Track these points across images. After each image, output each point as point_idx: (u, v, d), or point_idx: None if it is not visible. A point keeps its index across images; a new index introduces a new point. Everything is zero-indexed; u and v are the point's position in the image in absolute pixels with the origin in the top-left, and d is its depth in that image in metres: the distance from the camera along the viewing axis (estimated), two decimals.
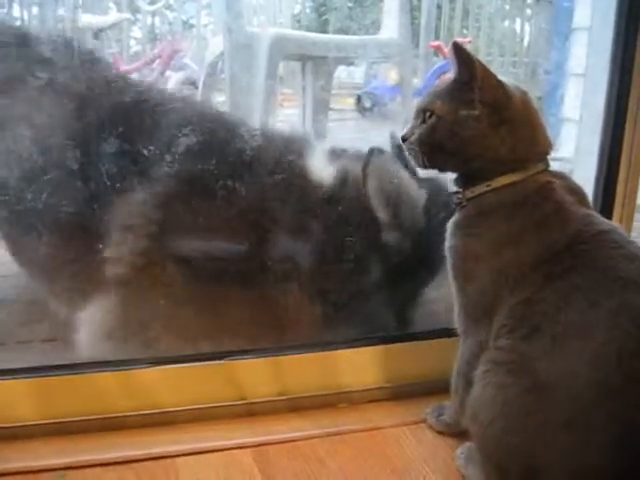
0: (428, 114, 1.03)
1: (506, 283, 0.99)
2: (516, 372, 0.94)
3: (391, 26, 2.55)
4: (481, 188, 1.04)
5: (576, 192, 1.05)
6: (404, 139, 1.07)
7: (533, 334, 0.94)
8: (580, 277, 0.94)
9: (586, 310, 0.92)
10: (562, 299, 0.94)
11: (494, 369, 0.97)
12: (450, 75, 1.03)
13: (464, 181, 1.07)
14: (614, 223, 1.09)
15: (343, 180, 1.39)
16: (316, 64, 2.40)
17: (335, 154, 1.44)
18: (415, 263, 1.38)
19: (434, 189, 1.39)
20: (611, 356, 0.89)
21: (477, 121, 1.00)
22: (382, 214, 1.36)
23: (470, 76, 0.99)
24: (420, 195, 1.39)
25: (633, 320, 0.90)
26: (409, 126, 1.07)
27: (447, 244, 1.08)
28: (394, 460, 1.16)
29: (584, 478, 0.90)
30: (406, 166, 1.38)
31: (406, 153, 1.10)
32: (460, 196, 1.07)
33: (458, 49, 0.98)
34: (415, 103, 1.09)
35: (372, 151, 1.37)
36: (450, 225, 1.08)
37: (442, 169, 1.08)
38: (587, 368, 0.89)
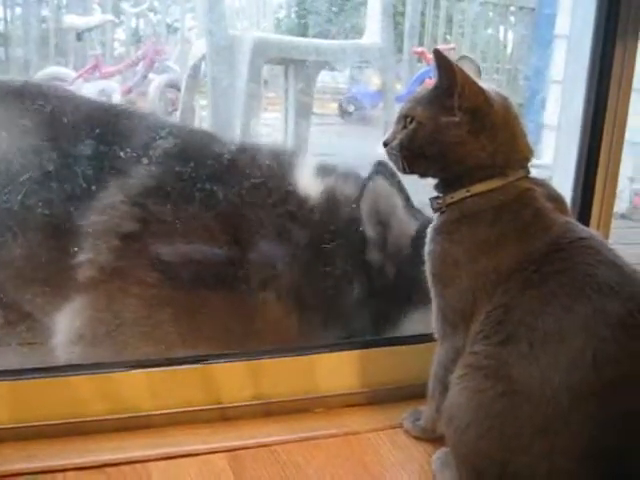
0: (409, 120, 1.04)
1: (484, 289, 1.00)
2: (492, 377, 0.94)
3: (374, 31, 2.56)
4: (461, 194, 1.04)
5: (556, 199, 1.06)
6: (385, 144, 1.07)
7: (509, 340, 0.94)
8: (557, 284, 0.94)
9: (562, 316, 0.92)
10: (539, 305, 0.94)
11: (470, 374, 0.97)
12: (433, 81, 1.04)
13: (444, 186, 1.07)
14: (592, 230, 1.09)
15: (330, 199, 1.39)
16: (299, 68, 2.40)
17: (324, 171, 1.44)
18: (395, 288, 1.38)
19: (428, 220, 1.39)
20: (586, 361, 0.89)
21: (457, 128, 1.00)
22: (371, 232, 1.36)
23: (450, 83, 0.99)
24: (411, 224, 1.39)
25: (608, 326, 0.90)
26: (391, 131, 1.07)
27: (426, 249, 1.08)
28: (370, 465, 1.16)
29: None
30: (401, 193, 1.39)
31: (387, 158, 1.10)
32: (440, 201, 1.07)
33: (439, 56, 0.99)
34: (397, 109, 1.09)
35: (375, 170, 1.38)
36: (430, 230, 1.09)
37: (422, 174, 1.08)
38: (562, 373, 0.90)
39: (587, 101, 1.47)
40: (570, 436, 0.89)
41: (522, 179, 1.04)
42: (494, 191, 1.02)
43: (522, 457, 0.92)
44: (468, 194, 1.03)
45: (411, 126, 1.03)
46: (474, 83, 1.00)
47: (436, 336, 1.10)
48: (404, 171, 1.07)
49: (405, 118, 1.05)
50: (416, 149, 1.03)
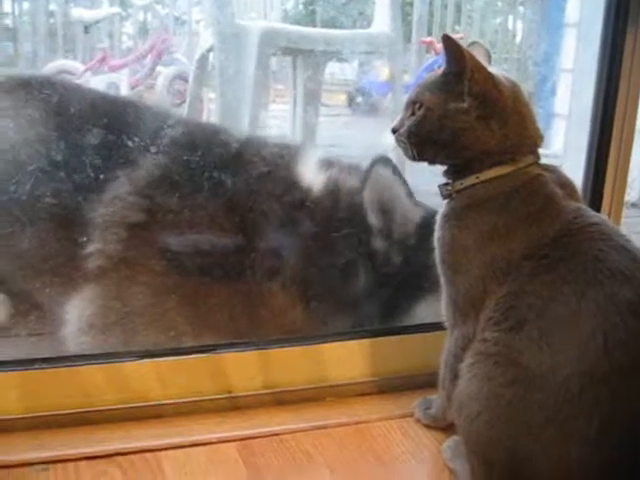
0: (417, 106, 1.03)
1: (494, 275, 0.99)
2: (502, 364, 0.94)
3: (383, 20, 2.54)
4: (470, 180, 1.03)
5: (567, 185, 1.05)
6: (394, 131, 1.06)
7: (520, 326, 0.94)
8: (567, 269, 0.94)
9: (573, 302, 0.91)
10: (549, 291, 0.93)
11: (480, 361, 0.97)
12: (442, 69, 1.03)
13: (453, 173, 1.06)
14: (603, 216, 1.08)
15: (333, 191, 1.39)
16: (307, 58, 2.39)
17: (327, 163, 1.44)
18: (401, 276, 1.38)
19: (432, 210, 1.39)
20: (597, 347, 0.88)
21: (466, 113, 0.99)
22: (374, 221, 1.36)
23: (460, 68, 0.98)
24: (415, 213, 1.39)
25: (619, 311, 0.90)
26: (399, 118, 1.06)
27: (435, 235, 1.07)
28: (381, 454, 1.16)
29: (568, 469, 0.90)
30: (404, 183, 1.39)
31: (395, 144, 1.08)
32: (449, 188, 1.06)
33: (449, 41, 0.97)
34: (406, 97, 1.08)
35: (376, 160, 1.37)
36: (439, 217, 1.08)
37: (431, 161, 1.07)
38: (572, 359, 0.89)
39: (598, 89, 1.46)
40: (581, 422, 0.88)
41: (532, 165, 1.03)
42: (504, 177, 1.01)
43: (533, 444, 0.91)
44: (477, 180, 1.02)
45: (420, 112, 1.02)
46: (483, 68, 0.99)
47: (446, 324, 1.10)
48: (413, 158, 1.05)
49: (413, 104, 1.04)
50: (425, 135, 1.02)
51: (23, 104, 1.36)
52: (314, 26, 2.70)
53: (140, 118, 1.38)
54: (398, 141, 1.06)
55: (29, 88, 1.38)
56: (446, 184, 1.07)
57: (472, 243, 1.02)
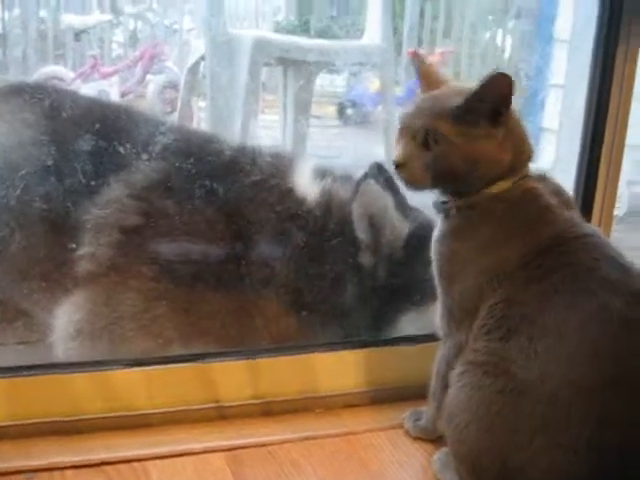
0: (433, 138, 0.96)
1: (490, 284, 0.99)
2: (492, 373, 0.94)
3: (375, 31, 2.55)
4: (473, 198, 1.01)
5: (560, 193, 1.05)
6: (399, 164, 1.00)
7: (511, 335, 0.94)
8: (560, 278, 0.94)
9: (563, 311, 0.92)
10: (541, 300, 0.94)
11: (470, 371, 0.97)
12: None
13: (453, 191, 1.04)
14: (595, 227, 1.09)
15: (326, 201, 1.39)
16: (298, 68, 2.39)
17: (320, 173, 1.44)
18: (388, 290, 1.37)
19: (420, 222, 1.39)
20: (586, 357, 0.89)
21: (491, 141, 0.98)
22: (362, 235, 1.36)
23: (503, 105, 0.96)
24: (403, 227, 1.38)
25: (609, 322, 0.90)
26: (400, 150, 1.00)
27: (434, 249, 1.07)
28: (370, 465, 1.15)
29: (560, 479, 0.90)
30: (394, 195, 1.38)
31: (399, 179, 1.03)
32: (449, 205, 1.04)
33: (504, 79, 0.93)
34: (401, 122, 1.01)
35: (366, 174, 1.38)
36: (437, 233, 1.07)
37: (443, 190, 1.04)
38: (562, 369, 0.89)
39: (589, 103, 1.47)
40: (570, 431, 0.89)
41: (526, 177, 1.03)
42: (504, 191, 1.01)
43: (522, 453, 0.91)
44: (480, 197, 1.01)
45: (441, 146, 0.96)
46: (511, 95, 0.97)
47: (440, 333, 1.09)
48: (421, 189, 1.03)
49: (425, 135, 0.97)
50: (446, 169, 0.98)
51: (20, 110, 1.35)
52: (307, 36, 2.72)
53: (135, 124, 1.38)
54: (407, 175, 1.00)
55: (25, 94, 1.37)
56: (444, 202, 1.05)
57: (470, 255, 1.02)
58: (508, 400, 0.92)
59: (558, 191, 1.05)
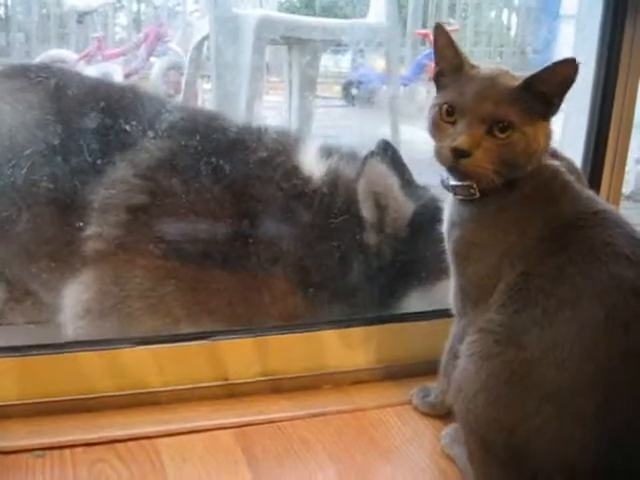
0: (501, 126, 0.92)
1: (510, 262, 0.97)
2: (502, 343, 0.93)
3: (379, 10, 2.54)
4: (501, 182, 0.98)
5: (574, 171, 1.05)
6: (464, 153, 0.93)
7: (525, 307, 0.93)
8: (576, 251, 0.94)
9: (577, 281, 0.91)
10: (556, 272, 0.93)
11: (481, 339, 0.96)
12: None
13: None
14: (611, 205, 1.08)
15: (332, 180, 1.38)
16: (303, 47, 2.38)
17: (327, 151, 1.43)
18: (395, 268, 1.37)
19: (426, 201, 1.38)
20: (598, 325, 0.88)
21: (546, 131, 0.96)
22: (367, 214, 1.36)
23: (563, 91, 0.94)
24: (408, 205, 1.38)
25: (622, 291, 0.90)
26: (466, 136, 0.92)
27: (449, 232, 1.05)
28: (379, 441, 1.16)
29: (568, 449, 0.90)
30: (401, 173, 1.38)
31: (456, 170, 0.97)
32: (472, 190, 0.99)
33: (572, 65, 0.91)
34: (462, 103, 0.94)
35: (371, 153, 1.37)
36: (457, 218, 1.03)
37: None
38: (574, 338, 0.89)
39: (596, 80, 1.46)
40: (579, 400, 0.88)
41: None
42: (528, 173, 0.98)
43: (529, 423, 0.91)
44: (506, 182, 0.97)
45: (513, 136, 0.92)
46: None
47: (454, 312, 1.09)
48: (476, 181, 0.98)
49: (493, 121, 0.92)
50: (510, 160, 0.94)
51: (25, 90, 1.36)
52: (312, 15, 2.70)
53: (141, 103, 1.37)
54: (470, 165, 0.93)
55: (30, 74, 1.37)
56: (467, 186, 1.00)
57: (493, 240, 1.00)
58: (517, 369, 0.91)
59: (572, 168, 1.05)
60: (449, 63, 1.00)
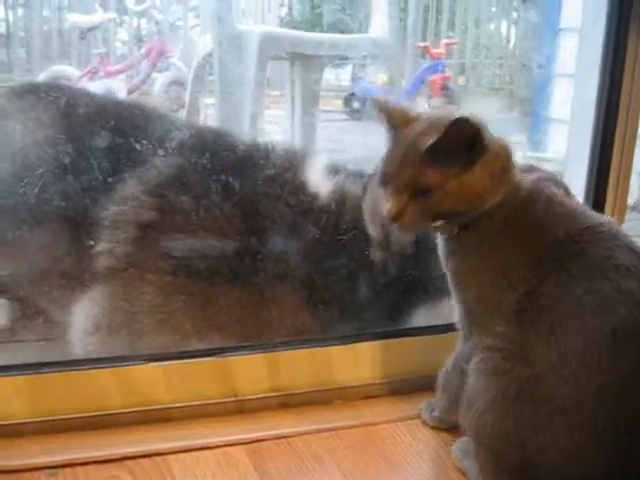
0: (420, 188, 0.95)
1: (509, 285, 0.98)
2: (510, 359, 0.95)
3: (381, 24, 2.55)
4: (470, 218, 0.99)
5: (559, 183, 1.05)
6: (394, 218, 0.97)
7: (531, 325, 0.94)
8: (576, 267, 0.94)
9: (581, 296, 0.92)
10: (559, 289, 0.94)
11: (489, 357, 0.97)
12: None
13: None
14: (606, 217, 1.09)
15: (340, 197, 1.39)
16: (306, 63, 2.39)
17: (333, 169, 1.44)
18: (400, 286, 1.38)
19: None
20: (604, 339, 0.90)
21: (474, 171, 0.95)
22: (373, 231, 1.36)
23: (479, 153, 0.94)
24: None
25: (625, 303, 0.91)
26: (392, 203, 0.97)
27: (443, 263, 1.06)
28: (389, 456, 1.16)
29: (578, 462, 0.91)
30: None
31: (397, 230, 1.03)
32: (450, 227, 1.02)
33: (466, 125, 0.92)
34: (385, 171, 0.98)
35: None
36: (442, 251, 1.06)
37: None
38: (580, 352, 0.90)
39: (600, 92, 1.46)
40: (589, 412, 0.90)
41: (515, 178, 1.00)
42: (497, 205, 0.99)
43: (540, 436, 0.92)
44: (474, 217, 0.99)
45: (435, 198, 0.95)
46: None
47: (460, 332, 1.09)
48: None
49: (413, 185, 0.95)
50: (443, 213, 0.97)
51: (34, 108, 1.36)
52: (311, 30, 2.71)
53: (150, 121, 1.39)
54: (404, 226, 1.00)
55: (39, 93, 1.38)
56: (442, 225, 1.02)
57: (479, 266, 1.01)
58: (526, 385, 0.92)
59: (557, 181, 1.05)
60: (387, 125, 1.01)
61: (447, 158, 0.93)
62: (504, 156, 0.99)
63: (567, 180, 1.39)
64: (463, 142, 0.93)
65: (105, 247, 1.28)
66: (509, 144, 1.00)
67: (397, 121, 1.00)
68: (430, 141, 0.92)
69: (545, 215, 1.00)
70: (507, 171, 0.99)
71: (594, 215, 1.03)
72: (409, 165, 0.95)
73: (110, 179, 1.29)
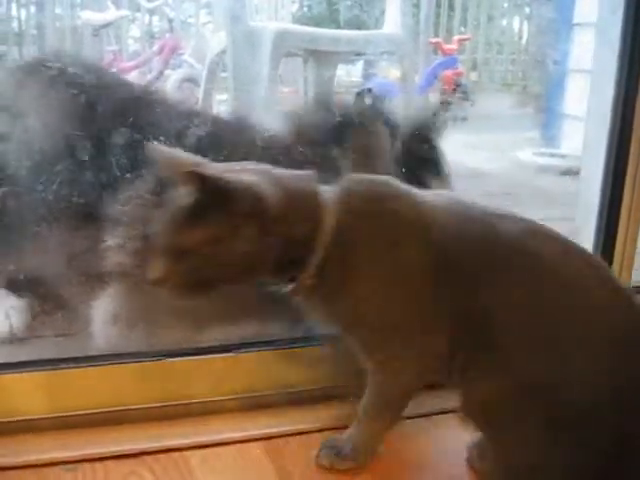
0: (178, 252, 0.88)
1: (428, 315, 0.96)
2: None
3: (394, 20, 2.55)
4: (311, 267, 0.92)
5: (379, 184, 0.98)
6: (156, 282, 0.90)
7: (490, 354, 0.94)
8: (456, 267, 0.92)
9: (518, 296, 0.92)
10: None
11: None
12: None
13: (279, 272, 0.94)
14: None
15: None
16: (319, 59, 2.39)
17: None
18: None
19: None
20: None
21: (244, 236, 0.87)
22: None
23: (256, 210, 0.86)
24: None
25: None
26: (152, 266, 0.90)
27: (327, 318, 1.00)
28: (406, 454, 1.16)
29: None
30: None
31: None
32: (293, 287, 0.95)
33: (218, 181, 0.84)
34: (154, 236, 0.91)
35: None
36: (319, 307, 0.99)
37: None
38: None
39: (617, 88, 1.45)
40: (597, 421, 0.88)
41: (328, 221, 0.91)
42: (332, 235, 0.91)
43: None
44: (318, 260, 0.92)
45: (197, 261, 0.87)
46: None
47: (370, 366, 1.04)
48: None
49: (170, 250, 0.88)
50: (206, 279, 0.89)
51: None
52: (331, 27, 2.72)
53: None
54: (169, 291, 0.91)
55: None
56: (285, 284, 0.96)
57: (363, 304, 0.95)
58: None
59: (376, 182, 0.97)
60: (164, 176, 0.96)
61: (204, 216, 0.85)
62: (299, 209, 0.90)
63: (583, 177, 1.38)
64: (213, 197, 0.84)
65: (121, 242, 1.27)
66: (264, 184, 0.89)
67: (174, 173, 0.90)
68: (188, 198, 0.85)
69: (399, 231, 0.93)
70: (308, 222, 0.90)
71: (442, 197, 0.97)
72: (168, 230, 0.88)
73: (128, 175, 1.29)
